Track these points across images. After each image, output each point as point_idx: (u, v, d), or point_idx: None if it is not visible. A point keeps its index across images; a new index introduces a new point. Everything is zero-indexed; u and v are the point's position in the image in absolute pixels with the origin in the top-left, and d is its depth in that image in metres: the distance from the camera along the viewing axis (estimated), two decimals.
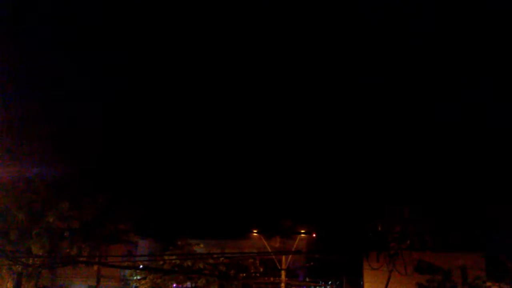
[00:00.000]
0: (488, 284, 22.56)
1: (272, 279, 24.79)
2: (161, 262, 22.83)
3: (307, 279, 31.25)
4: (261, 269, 24.39)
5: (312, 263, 31.00)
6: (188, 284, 23.02)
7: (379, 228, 24.27)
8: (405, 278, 23.49)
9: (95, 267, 24.14)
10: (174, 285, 23.09)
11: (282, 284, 24.28)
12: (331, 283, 30.60)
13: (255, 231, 27.17)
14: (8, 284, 20.49)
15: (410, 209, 23.06)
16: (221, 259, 22.60)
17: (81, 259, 21.63)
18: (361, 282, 26.18)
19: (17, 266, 19.82)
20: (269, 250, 25.96)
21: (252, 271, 24.18)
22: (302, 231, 27.29)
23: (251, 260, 24.65)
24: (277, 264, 25.47)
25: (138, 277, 23.08)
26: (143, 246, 25.62)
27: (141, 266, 22.65)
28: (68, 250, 21.34)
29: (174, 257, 21.87)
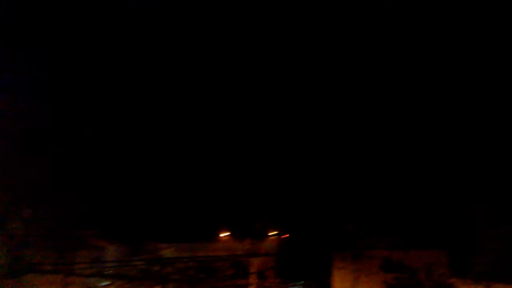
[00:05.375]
0: (452, 280, 23.24)
1: (242, 281, 24.83)
2: (129, 267, 22.59)
3: (278, 280, 31.36)
4: (231, 272, 24.39)
5: (283, 264, 31.12)
6: None
7: (347, 228, 24.64)
8: (373, 276, 23.99)
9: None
10: None
11: (253, 286, 24.35)
12: (302, 283, 30.80)
13: (225, 233, 27.15)
14: None
15: (375, 208, 23.58)
16: (190, 263, 22.52)
17: (47, 266, 21.23)
18: (330, 281, 26.47)
19: None
20: (240, 252, 25.99)
21: (222, 274, 24.16)
22: (273, 232, 27.42)
23: (221, 263, 24.62)
24: (248, 267, 25.52)
25: (105, 283, 22.76)
26: (111, 251, 25.22)
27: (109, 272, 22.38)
28: (33, 257, 20.92)
29: (142, 262, 21.70)
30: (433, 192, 24.14)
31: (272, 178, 27.02)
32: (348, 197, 24.30)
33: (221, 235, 26.69)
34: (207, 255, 24.16)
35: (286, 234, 27.33)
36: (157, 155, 25.27)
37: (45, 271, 21.73)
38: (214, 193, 26.38)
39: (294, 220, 26.17)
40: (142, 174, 24.58)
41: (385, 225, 23.54)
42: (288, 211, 26.08)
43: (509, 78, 24.15)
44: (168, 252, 24.13)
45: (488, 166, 24.30)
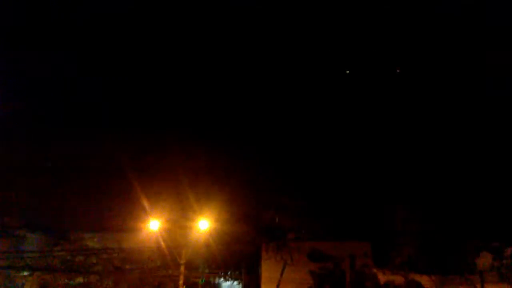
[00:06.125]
0: (374, 270, 24.57)
1: (170, 272, 24.56)
2: (50, 258, 21.69)
3: (207, 270, 31.36)
4: (159, 263, 24.05)
5: (213, 255, 31.12)
6: (80, 279, 22.13)
7: (276, 220, 25.20)
8: (300, 266, 24.73)
9: None
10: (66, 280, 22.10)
11: (181, 276, 24.14)
12: (230, 273, 30.97)
13: (154, 223, 26.61)
14: None
15: (302, 201, 24.29)
16: (115, 253, 21.97)
17: None
18: (260, 271, 26.88)
19: None
20: (169, 243, 25.66)
21: (149, 265, 23.75)
22: (202, 222, 27.30)
23: (148, 254, 24.19)
24: (177, 257, 25.25)
25: (25, 273, 21.74)
26: (32, 240, 24.02)
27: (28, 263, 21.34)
28: None
29: (64, 252, 20.89)
30: (359, 188, 25.19)
31: (206, 168, 26.89)
32: (275, 191, 24.75)
33: (149, 225, 26.17)
34: (134, 246, 23.65)
35: (216, 224, 27.35)
36: (90, 142, 24.29)
37: None
38: (145, 182, 25.81)
39: (224, 212, 26.19)
40: (71, 159, 23.54)
41: (312, 217, 24.28)
42: (218, 203, 26.04)
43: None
44: (93, 241, 23.37)
45: (411, 168, 25.69)
